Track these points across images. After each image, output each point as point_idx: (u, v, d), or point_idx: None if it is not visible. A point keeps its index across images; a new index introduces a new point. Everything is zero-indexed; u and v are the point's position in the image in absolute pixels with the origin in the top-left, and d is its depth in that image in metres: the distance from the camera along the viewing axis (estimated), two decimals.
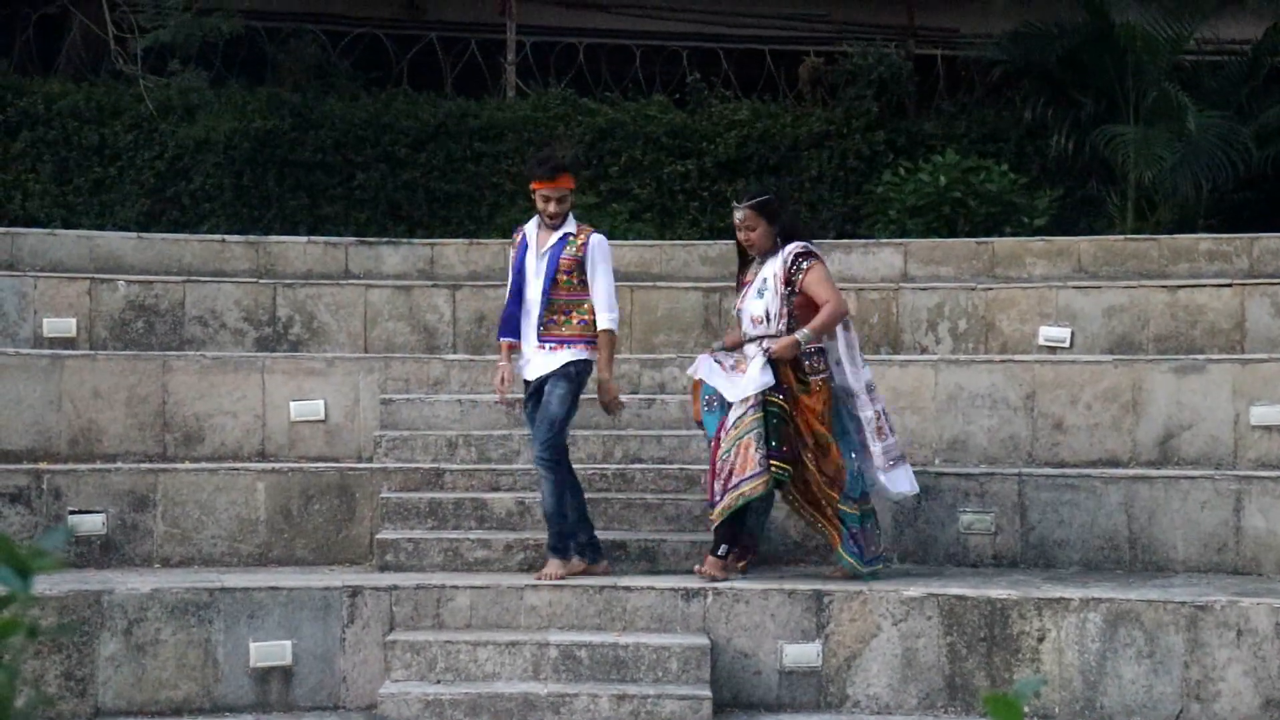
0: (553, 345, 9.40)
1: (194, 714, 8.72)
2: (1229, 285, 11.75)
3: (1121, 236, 13.22)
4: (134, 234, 13.16)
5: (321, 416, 10.72)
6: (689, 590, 8.97)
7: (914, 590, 8.86)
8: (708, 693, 8.38)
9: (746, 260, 9.74)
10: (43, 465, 10.05)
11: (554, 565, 9.24)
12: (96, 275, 12.03)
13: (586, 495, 9.81)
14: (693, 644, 8.58)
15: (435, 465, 10.25)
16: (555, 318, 9.40)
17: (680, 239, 14.11)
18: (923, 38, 17.24)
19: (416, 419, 10.73)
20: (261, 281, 12.18)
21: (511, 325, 9.56)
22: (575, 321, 9.40)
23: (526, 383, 9.52)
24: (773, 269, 9.46)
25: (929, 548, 10.02)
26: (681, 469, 10.28)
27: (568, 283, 9.42)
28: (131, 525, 9.83)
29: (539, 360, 9.42)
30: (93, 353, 11.12)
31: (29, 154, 14.77)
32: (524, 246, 9.64)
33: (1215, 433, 10.47)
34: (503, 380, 9.50)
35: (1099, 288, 11.93)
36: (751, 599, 8.90)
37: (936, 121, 15.99)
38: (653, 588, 9.06)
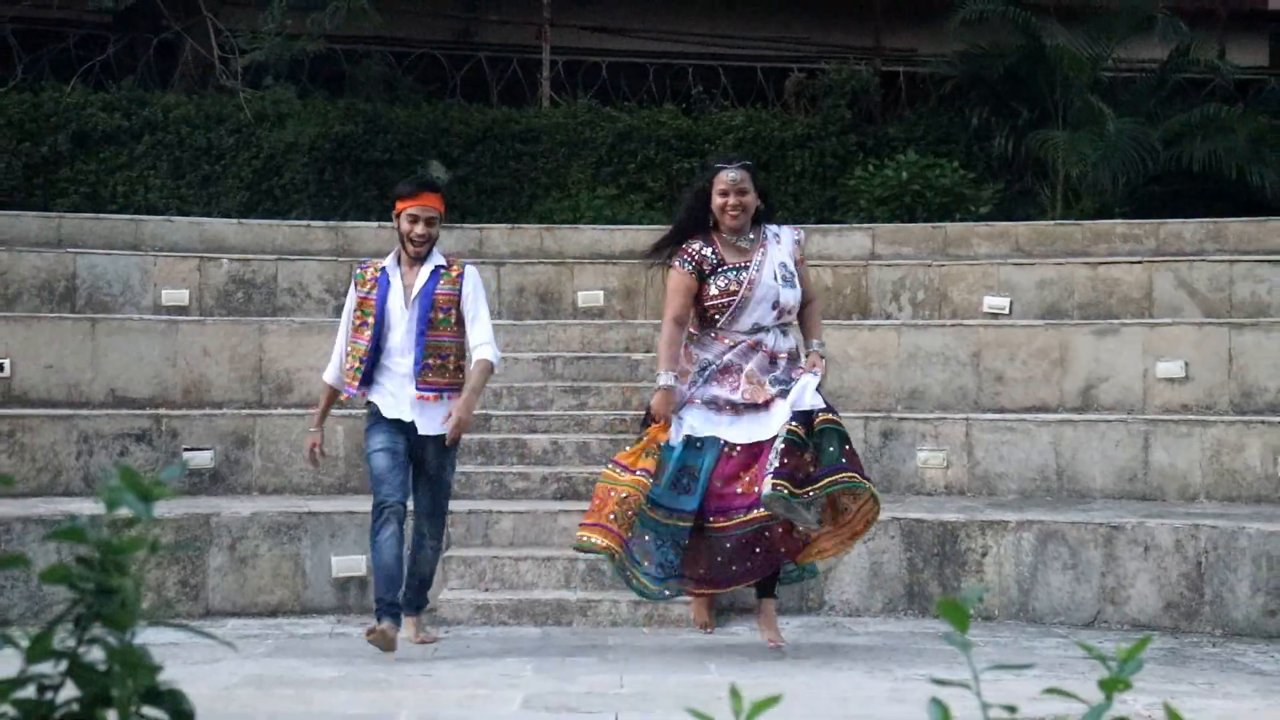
0: (433, 394, 7.24)
1: (286, 615, 8.76)
2: (1140, 262, 11.72)
3: (1052, 222, 13.18)
4: (235, 220, 13.16)
5: None
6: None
7: (880, 515, 8.86)
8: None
9: (705, 235, 7.25)
10: (161, 411, 10.08)
11: (418, 625, 7.50)
12: (204, 255, 12.04)
13: (610, 438, 9.81)
14: None
15: (483, 411, 10.25)
16: (431, 362, 7.20)
17: None
18: (887, 57, 17.17)
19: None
20: (340, 259, 12.18)
21: (367, 374, 7.25)
22: (453, 367, 7.28)
23: (397, 421, 7.25)
24: (781, 253, 7.26)
25: (892, 480, 10.02)
26: None
27: (444, 321, 7.25)
28: (234, 460, 9.85)
29: (419, 412, 7.24)
30: (202, 319, 11.13)
31: (149, 154, 14.76)
32: (384, 285, 7.30)
33: (1128, 384, 10.46)
34: (314, 451, 7.40)
35: (1033, 264, 11.90)
36: None
37: (899, 126, 15.95)
38: None
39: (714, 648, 7.74)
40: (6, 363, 10.35)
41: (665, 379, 7.11)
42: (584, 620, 8.35)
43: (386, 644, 7.04)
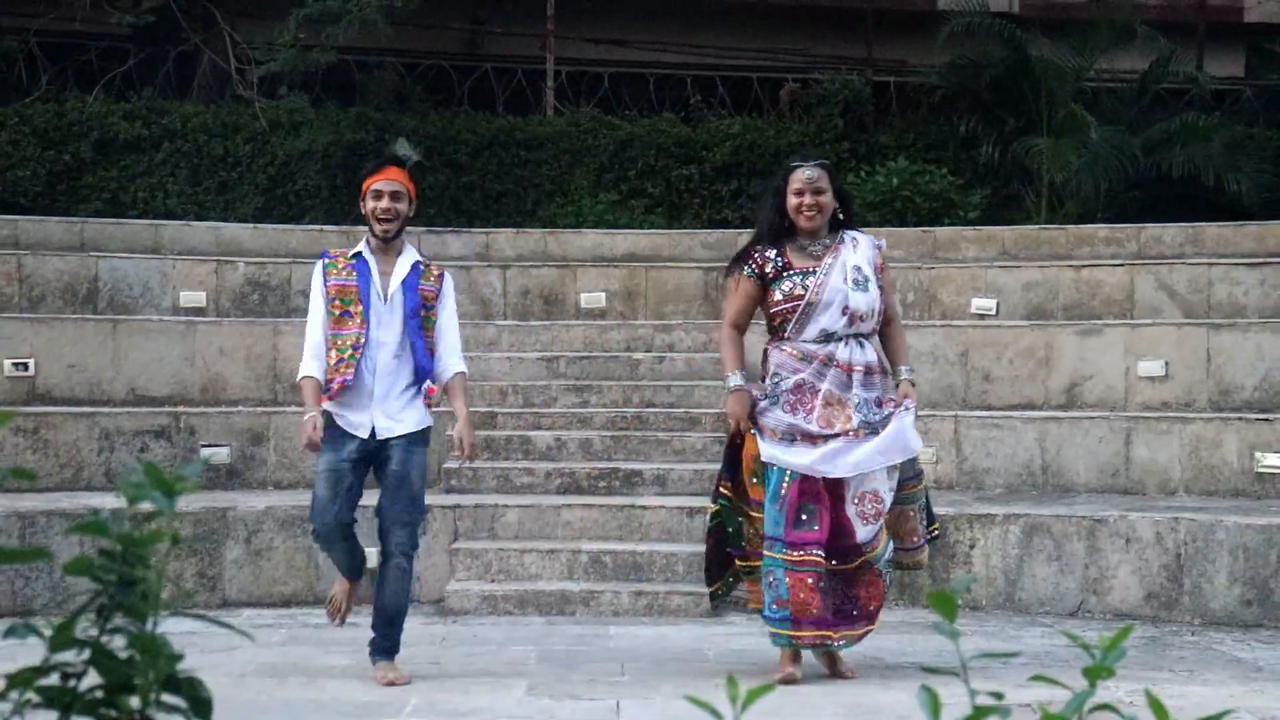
0: (409, 398, 6.45)
1: (300, 605, 8.76)
2: (1121, 265, 11.72)
3: (1037, 226, 13.17)
4: (250, 225, 13.15)
5: None
6: (692, 509, 8.98)
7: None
8: (706, 590, 8.40)
9: (781, 241, 6.55)
10: (180, 409, 10.08)
11: (388, 667, 6.49)
12: (221, 258, 12.04)
13: (611, 435, 9.78)
14: (695, 551, 8.60)
15: (490, 409, 10.26)
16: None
17: (685, 229, 14.09)
18: (879, 67, 17.16)
19: (474, 372, 10.74)
20: None
21: (359, 368, 6.38)
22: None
23: (349, 437, 6.41)
24: (860, 256, 6.50)
25: None
26: (687, 412, 10.28)
27: (429, 320, 6.48)
28: (250, 456, 9.85)
29: (382, 414, 6.41)
30: (218, 319, 11.13)
31: (169, 162, 14.76)
32: (364, 273, 6.48)
33: (1110, 382, 10.46)
34: (316, 428, 6.35)
35: (1019, 267, 11.90)
36: None
37: (890, 134, 15.94)
38: (663, 506, 9.07)
39: (711, 638, 7.74)
40: (31, 362, 10.36)
41: (734, 379, 6.45)
42: (586, 610, 8.36)
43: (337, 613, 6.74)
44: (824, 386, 6.41)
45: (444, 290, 6.56)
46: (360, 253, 6.57)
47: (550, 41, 16.44)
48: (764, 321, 6.68)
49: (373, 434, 6.43)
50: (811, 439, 6.36)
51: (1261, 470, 9.52)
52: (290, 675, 6.50)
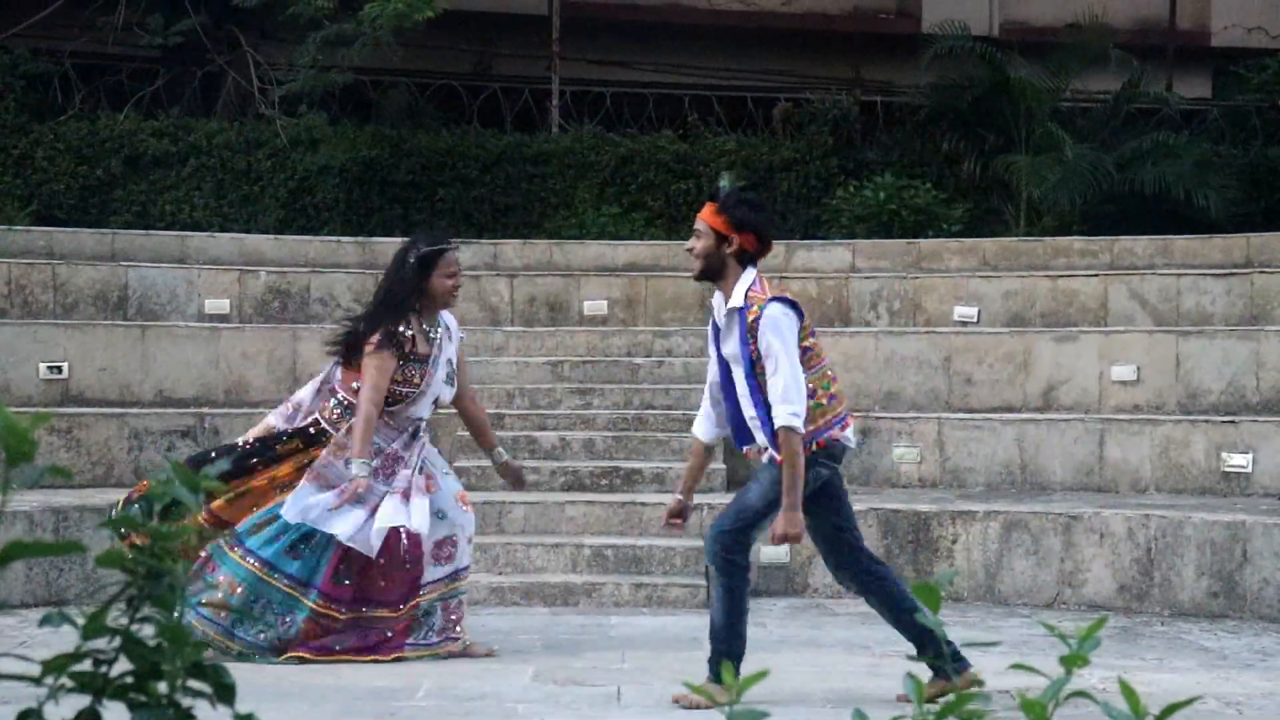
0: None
1: None
2: (1096, 275, 11.71)
3: (1016, 239, 13.17)
4: (272, 236, 13.15)
5: None
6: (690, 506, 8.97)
7: (859, 505, 8.85)
8: (703, 582, 8.40)
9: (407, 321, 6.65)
10: (205, 410, 10.08)
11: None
12: (244, 267, 12.03)
13: (613, 435, 9.77)
14: (692, 545, 8.60)
15: (498, 410, 10.26)
16: None
17: (683, 240, 14.06)
18: (867, 87, 17.17)
19: (483, 375, 10.74)
20: (367, 272, 12.16)
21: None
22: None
23: None
24: (451, 348, 6.82)
25: (870, 474, 10.02)
26: (684, 414, 10.26)
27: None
28: None
29: None
30: (241, 326, 11.13)
31: (194, 176, 14.76)
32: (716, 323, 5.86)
33: (1085, 386, 10.46)
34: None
35: (999, 277, 11.89)
36: None
37: (877, 151, 15.93)
38: (662, 503, 9.02)
39: (708, 628, 7.73)
40: (65, 365, 10.36)
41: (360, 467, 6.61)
42: (589, 601, 8.36)
43: None
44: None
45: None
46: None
47: (556, 63, 16.46)
48: None
49: None
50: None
51: (1227, 469, 9.52)
52: (308, 662, 6.49)
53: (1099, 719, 1.99)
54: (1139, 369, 10.34)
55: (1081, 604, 8.58)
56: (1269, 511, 8.59)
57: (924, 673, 5.63)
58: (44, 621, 1.85)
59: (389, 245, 12.89)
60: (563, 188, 15.19)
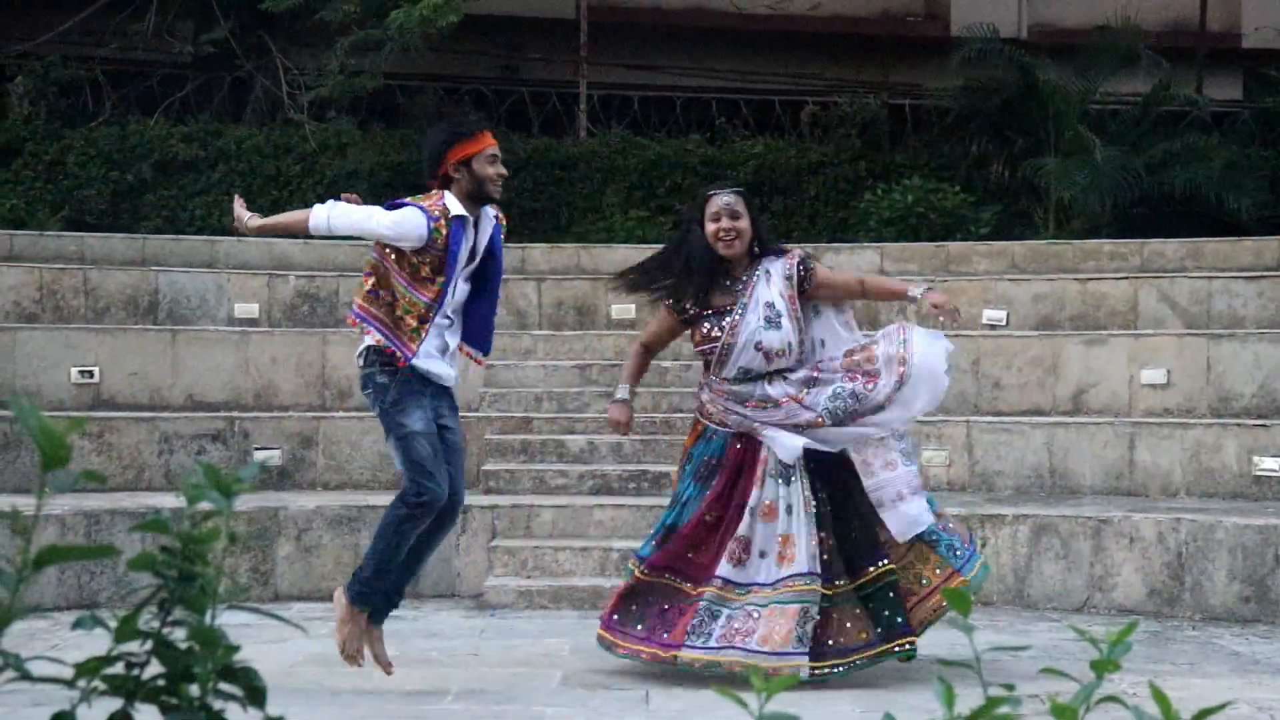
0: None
1: None
2: (1125, 278, 11.67)
3: (1045, 241, 13.13)
4: (300, 240, 13.19)
5: None
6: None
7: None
8: None
9: (691, 281, 6.32)
10: (234, 414, 10.12)
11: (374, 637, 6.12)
12: (273, 271, 12.08)
13: (641, 438, 9.76)
14: None
15: (526, 414, 10.27)
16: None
17: None
18: (895, 90, 17.15)
19: (511, 379, 10.76)
20: None
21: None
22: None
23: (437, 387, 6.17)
24: (772, 291, 6.27)
25: None
26: None
27: None
28: (300, 459, 9.88)
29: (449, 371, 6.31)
30: (271, 330, 11.17)
31: (224, 181, 14.83)
32: (459, 230, 6.24)
33: (1115, 389, 10.41)
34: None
35: (1028, 280, 11.86)
36: None
37: (905, 154, 15.92)
38: None
39: None
40: (96, 370, 10.41)
41: (621, 391, 6.65)
42: None
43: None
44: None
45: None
46: (446, 207, 6.48)
47: (583, 67, 16.48)
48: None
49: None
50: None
51: (1259, 473, 9.46)
52: (338, 665, 6.51)
53: None
54: (1169, 372, 10.29)
55: (1111, 608, 8.54)
56: None
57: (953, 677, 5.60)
58: (76, 625, 1.86)
59: None
60: (590, 191, 15.20)
